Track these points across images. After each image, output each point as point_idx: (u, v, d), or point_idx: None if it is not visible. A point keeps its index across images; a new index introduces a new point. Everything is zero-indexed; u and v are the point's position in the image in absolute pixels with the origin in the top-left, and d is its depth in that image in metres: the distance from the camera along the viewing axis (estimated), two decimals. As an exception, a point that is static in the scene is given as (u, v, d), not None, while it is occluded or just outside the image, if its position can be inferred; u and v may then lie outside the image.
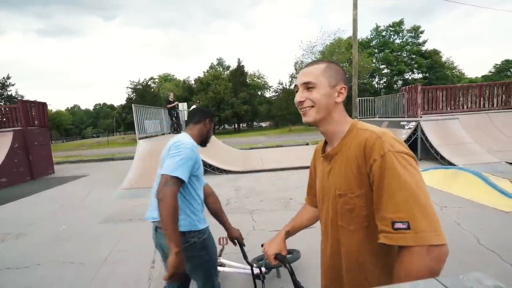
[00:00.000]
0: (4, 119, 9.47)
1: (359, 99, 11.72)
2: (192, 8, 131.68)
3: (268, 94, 48.89)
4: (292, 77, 37.27)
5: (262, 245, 1.17)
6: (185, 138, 1.55)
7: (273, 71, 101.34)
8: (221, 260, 2.54)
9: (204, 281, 1.63)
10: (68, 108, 78.86)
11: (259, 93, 49.62)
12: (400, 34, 40.29)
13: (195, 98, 33.69)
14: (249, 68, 63.78)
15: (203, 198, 1.70)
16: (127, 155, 13.36)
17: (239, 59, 43.57)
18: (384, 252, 0.80)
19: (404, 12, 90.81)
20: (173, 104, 10.82)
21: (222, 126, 45.76)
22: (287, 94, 32.63)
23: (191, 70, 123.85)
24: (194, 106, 14.36)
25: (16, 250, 3.60)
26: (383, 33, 40.75)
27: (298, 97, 0.91)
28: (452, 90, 9.65)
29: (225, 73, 45.75)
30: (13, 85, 37.08)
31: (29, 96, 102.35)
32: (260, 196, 5.47)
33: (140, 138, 7.88)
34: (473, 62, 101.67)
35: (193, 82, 43.29)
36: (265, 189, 5.95)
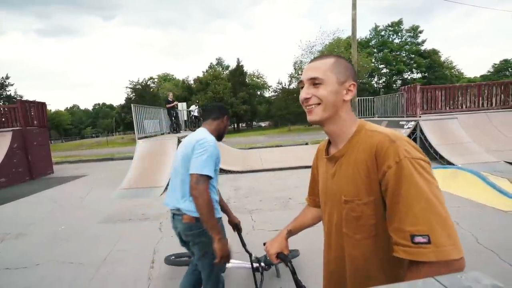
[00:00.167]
0: (3, 119, 9.43)
1: (358, 99, 11.74)
2: (191, 8, 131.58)
3: (267, 94, 48.88)
4: (292, 76, 37.26)
5: (264, 244, 1.17)
6: (207, 135, 1.68)
7: (273, 71, 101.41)
8: None
9: (209, 271, 1.72)
10: (67, 108, 78.74)
11: (259, 93, 49.60)
12: (399, 34, 40.39)
13: (194, 98, 33.63)
14: (248, 68, 63.96)
15: None
16: (126, 155, 13.34)
17: (238, 59, 43.53)
18: (394, 263, 0.75)
19: (403, 12, 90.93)
20: (172, 104, 10.81)
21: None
22: (287, 94, 32.64)
23: (190, 70, 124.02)
24: (193, 106, 14.37)
25: (15, 250, 3.60)
26: (382, 33, 40.84)
27: (303, 94, 0.85)
28: (451, 90, 9.67)
29: (225, 73, 45.75)
30: (12, 85, 37.10)
31: (28, 96, 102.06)
32: (259, 195, 5.47)
33: (139, 138, 7.88)
34: (472, 62, 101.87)
35: (192, 82, 43.27)
36: (264, 189, 5.95)
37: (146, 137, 8.54)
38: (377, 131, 0.79)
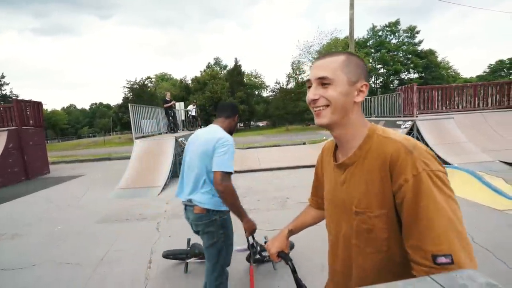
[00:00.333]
0: (-1, 119, 9.36)
1: (356, 99, 11.74)
2: (189, 7, 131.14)
3: (265, 93, 48.93)
4: (289, 76, 37.32)
5: (265, 243, 1.18)
6: (225, 134, 1.82)
7: (270, 70, 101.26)
8: None
9: (215, 262, 1.82)
10: (64, 107, 78.23)
11: (256, 92, 49.63)
12: (396, 34, 40.58)
13: (192, 98, 33.59)
14: (246, 68, 63.97)
15: None
16: (123, 154, 13.29)
17: (236, 59, 43.47)
18: (408, 278, 0.73)
19: (400, 12, 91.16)
20: (170, 104, 10.76)
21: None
22: (284, 93, 32.67)
23: (188, 70, 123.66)
24: (191, 106, 14.32)
25: (12, 251, 3.57)
26: (380, 33, 40.99)
27: (311, 95, 0.78)
28: (448, 90, 9.72)
29: (222, 72, 45.76)
30: (7, 84, 36.85)
31: (24, 95, 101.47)
32: (257, 195, 5.48)
33: (136, 138, 7.85)
34: (468, 62, 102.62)
35: (190, 81, 43.23)
36: (262, 189, 5.96)
37: (143, 136, 8.50)
38: (390, 138, 0.73)
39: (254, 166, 8.33)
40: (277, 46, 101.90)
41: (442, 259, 0.60)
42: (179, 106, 13.35)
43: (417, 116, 8.50)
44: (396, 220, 0.70)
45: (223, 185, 1.66)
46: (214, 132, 1.83)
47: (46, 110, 55.92)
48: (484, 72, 43.54)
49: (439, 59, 41.37)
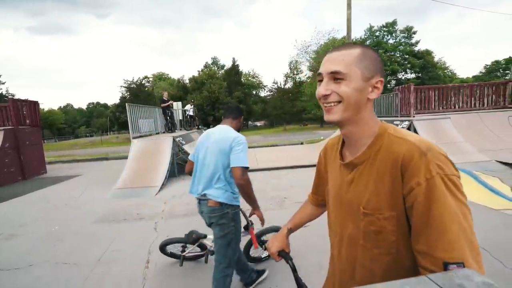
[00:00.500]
0: (-5, 118, 9.28)
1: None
2: (186, 7, 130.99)
3: (263, 93, 48.93)
4: (287, 76, 37.35)
5: (266, 242, 1.18)
6: (237, 133, 2.00)
7: (268, 70, 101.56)
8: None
9: (223, 253, 1.99)
10: (60, 107, 77.77)
11: (254, 92, 49.57)
12: (393, 35, 40.64)
13: (189, 97, 33.47)
14: (243, 67, 64.00)
15: None
16: (121, 154, 13.23)
17: (233, 58, 43.67)
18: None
19: (397, 13, 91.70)
20: (167, 103, 10.72)
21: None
22: (282, 93, 32.72)
23: (185, 69, 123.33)
24: (188, 105, 14.28)
25: (8, 251, 3.55)
26: (377, 33, 41.06)
27: (322, 89, 0.74)
28: (444, 90, 9.78)
29: (220, 72, 45.60)
30: (3, 83, 36.60)
31: (21, 94, 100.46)
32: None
33: (134, 138, 7.82)
34: (465, 63, 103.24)
35: (187, 81, 43.06)
36: (259, 188, 5.95)
37: (141, 136, 8.47)
38: (402, 138, 0.70)
39: (251, 166, 8.30)
40: (275, 46, 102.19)
41: (454, 267, 0.58)
42: (177, 105, 13.30)
43: (414, 116, 8.54)
44: (406, 223, 0.68)
45: (244, 178, 1.86)
46: (227, 131, 2.00)
47: (43, 109, 55.58)
48: (480, 72, 43.84)
49: (435, 59, 41.49)
